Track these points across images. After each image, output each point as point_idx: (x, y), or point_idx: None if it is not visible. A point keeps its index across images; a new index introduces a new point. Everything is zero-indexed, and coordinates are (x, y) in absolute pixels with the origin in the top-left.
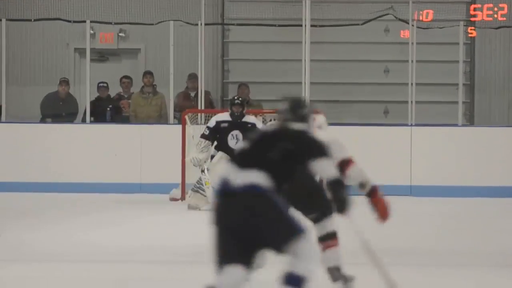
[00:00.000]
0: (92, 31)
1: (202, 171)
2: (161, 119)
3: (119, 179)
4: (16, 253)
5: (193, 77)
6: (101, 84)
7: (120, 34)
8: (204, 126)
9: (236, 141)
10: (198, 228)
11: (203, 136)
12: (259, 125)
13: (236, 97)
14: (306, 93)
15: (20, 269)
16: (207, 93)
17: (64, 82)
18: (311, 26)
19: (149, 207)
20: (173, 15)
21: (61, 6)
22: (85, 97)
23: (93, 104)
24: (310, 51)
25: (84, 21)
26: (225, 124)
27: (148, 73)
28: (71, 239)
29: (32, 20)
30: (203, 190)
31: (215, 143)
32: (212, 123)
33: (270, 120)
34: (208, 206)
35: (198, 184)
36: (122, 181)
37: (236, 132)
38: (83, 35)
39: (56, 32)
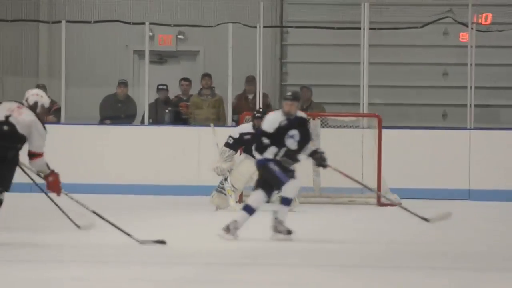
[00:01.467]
0: (151, 33)
1: (226, 179)
2: (219, 121)
3: (177, 181)
4: (74, 254)
5: (251, 80)
6: (161, 87)
7: (179, 36)
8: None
9: None
10: (252, 230)
11: (227, 145)
12: None
13: (257, 111)
14: (364, 96)
15: (77, 271)
16: (265, 96)
17: (123, 84)
18: (370, 29)
19: (205, 209)
20: (232, 17)
21: (120, 8)
22: (143, 99)
23: (152, 106)
24: (369, 54)
25: (143, 23)
26: (248, 136)
27: (206, 76)
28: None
29: (92, 22)
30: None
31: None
32: (235, 134)
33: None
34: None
35: (221, 184)
36: (180, 183)
37: None
38: (142, 37)
39: (115, 34)
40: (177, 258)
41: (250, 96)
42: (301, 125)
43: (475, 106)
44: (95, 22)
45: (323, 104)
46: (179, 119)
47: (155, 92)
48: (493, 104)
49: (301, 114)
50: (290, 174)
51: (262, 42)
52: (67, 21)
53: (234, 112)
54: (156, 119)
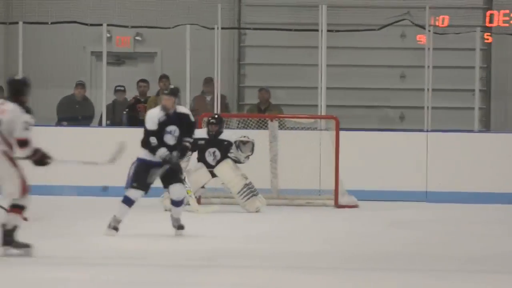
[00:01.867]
0: (108, 35)
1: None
2: None
3: None
4: (101, 255)
5: (209, 81)
6: (118, 88)
7: (137, 37)
8: None
9: (213, 157)
10: (209, 232)
11: None
12: (232, 138)
13: (211, 117)
14: (322, 98)
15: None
16: (223, 97)
17: (80, 85)
18: (328, 31)
19: (158, 212)
20: (190, 19)
21: (78, 10)
22: (101, 100)
23: (110, 107)
24: (327, 56)
25: (101, 25)
26: (202, 142)
27: (164, 77)
28: (84, 243)
29: (49, 23)
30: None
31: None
32: None
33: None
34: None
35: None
36: None
37: (213, 150)
38: (99, 38)
39: (73, 35)
40: (131, 259)
41: (208, 98)
42: (181, 120)
43: (432, 108)
44: (52, 23)
45: (281, 106)
46: (137, 121)
47: (113, 93)
48: (450, 106)
49: (182, 109)
50: (175, 178)
51: (220, 43)
52: (24, 22)
53: (192, 114)
54: (114, 121)
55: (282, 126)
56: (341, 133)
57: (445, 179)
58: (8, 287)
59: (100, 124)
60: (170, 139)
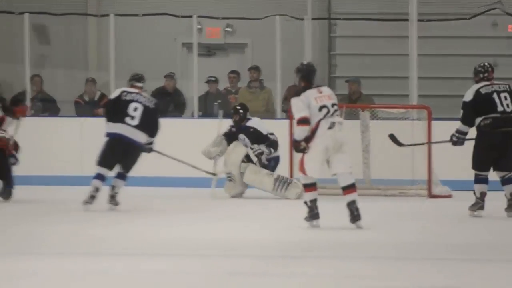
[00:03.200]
0: (199, 26)
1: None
2: (268, 113)
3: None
4: (150, 247)
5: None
6: (210, 79)
7: (227, 29)
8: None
9: (245, 143)
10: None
11: (224, 133)
12: (261, 126)
13: (233, 107)
14: (414, 88)
15: (152, 263)
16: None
17: (170, 76)
18: (418, 20)
19: (254, 203)
20: (280, 9)
21: (168, 1)
22: (192, 91)
23: (202, 98)
24: (417, 45)
25: (191, 16)
26: (234, 129)
27: (254, 68)
28: (181, 233)
29: (140, 15)
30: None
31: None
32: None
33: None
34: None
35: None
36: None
37: (242, 136)
38: (190, 30)
39: (164, 27)
40: (228, 250)
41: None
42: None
43: None
44: (144, 15)
45: (373, 96)
46: (228, 112)
47: (204, 84)
48: None
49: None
50: None
51: (310, 34)
52: (116, 15)
53: (286, 103)
54: (206, 112)
55: (373, 116)
56: (434, 122)
57: None
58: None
59: (192, 116)
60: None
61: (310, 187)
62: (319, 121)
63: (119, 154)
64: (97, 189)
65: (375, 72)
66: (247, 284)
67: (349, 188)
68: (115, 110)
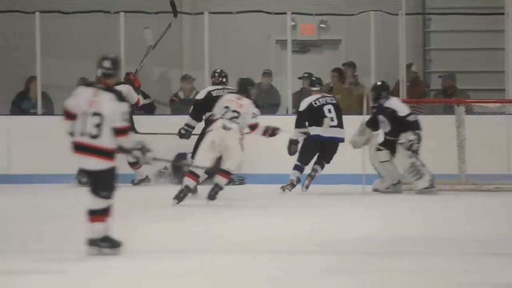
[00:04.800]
0: (293, 23)
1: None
2: (362, 110)
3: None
4: (208, 244)
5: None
6: (304, 75)
7: (321, 25)
8: None
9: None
10: (402, 218)
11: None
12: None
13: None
14: (509, 82)
15: (212, 260)
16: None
17: (267, 74)
18: None
19: (349, 198)
20: (374, 5)
21: None
22: (286, 88)
23: (296, 95)
24: None
25: (285, 13)
26: (374, 110)
27: (348, 64)
28: (266, 229)
29: (234, 12)
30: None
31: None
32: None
33: None
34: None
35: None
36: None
37: (382, 118)
38: (284, 26)
39: (258, 24)
40: (317, 247)
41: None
42: None
43: None
44: (238, 12)
45: (468, 91)
46: None
47: (298, 81)
48: None
49: None
50: None
51: (404, 29)
52: (210, 12)
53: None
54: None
55: (468, 111)
56: None
57: None
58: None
59: (286, 112)
60: None
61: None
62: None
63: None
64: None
65: (470, 66)
66: (340, 281)
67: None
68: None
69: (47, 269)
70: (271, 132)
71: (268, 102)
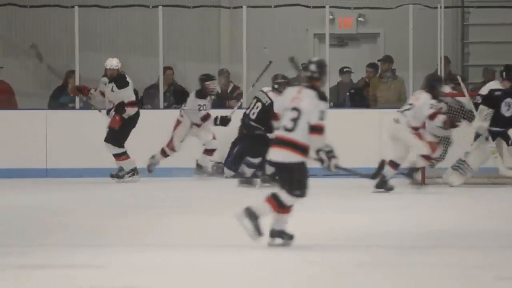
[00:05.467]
0: (331, 16)
1: (486, 138)
2: (400, 103)
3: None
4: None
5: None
6: (345, 69)
7: (359, 18)
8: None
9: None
10: (436, 212)
11: (482, 102)
12: None
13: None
14: None
15: (249, 254)
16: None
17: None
18: None
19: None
20: None
21: None
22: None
23: (334, 89)
24: None
25: (324, 7)
26: (499, 93)
27: (383, 60)
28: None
29: (272, 6)
30: (462, 170)
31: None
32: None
33: None
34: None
35: (458, 163)
36: (362, 165)
37: (509, 100)
38: (322, 20)
39: (296, 18)
40: (354, 241)
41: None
42: None
43: None
44: (276, 6)
45: None
46: (360, 102)
47: (338, 75)
48: None
49: None
50: None
51: (443, 22)
52: (248, 6)
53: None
54: (337, 102)
55: None
56: None
57: None
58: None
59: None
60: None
61: None
62: None
63: None
64: None
65: (508, 60)
66: (376, 275)
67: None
68: None
69: (89, 262)
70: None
71: None
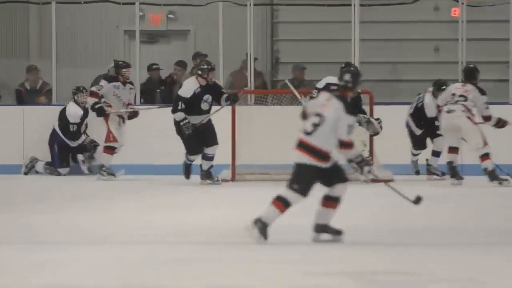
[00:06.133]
0: (141, 13)
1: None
2: None
3: (167, 161)
4: (70, 235)
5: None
6: (154, 66)
7: (170, 15)
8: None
9: None
10: (247, 209)
11: None
12: None
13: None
14: None
15: (73, 251)
16: (260, 74)
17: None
18: (360, 5)
19: (200, 189)
20: None
21: None
22: (135, 78)
23: (144, 86)
24: (360, 30)
25: (133, 3)
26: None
27: (198, 55)
28: (123, 222)
29: (82, 2)
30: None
31: None
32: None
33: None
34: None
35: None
36: (170, 162)
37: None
38: (132, 17)
39: (106, 15)
40: (178, 237)
41: (247, 73)
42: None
43: None
44: (85, 2)
45: (315, 82)
46: (170, 99)
47: (147, 72)
48: (484, 78)
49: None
50: None
51: (252, 20)
52: (57, 2)
53: (232, 87)
54: (147, 99)
55: None
56: (375, 107)
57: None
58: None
59: (134, 103)
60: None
61: None
62: None
63: None
64: None
65: (318, 57)
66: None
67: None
68: None
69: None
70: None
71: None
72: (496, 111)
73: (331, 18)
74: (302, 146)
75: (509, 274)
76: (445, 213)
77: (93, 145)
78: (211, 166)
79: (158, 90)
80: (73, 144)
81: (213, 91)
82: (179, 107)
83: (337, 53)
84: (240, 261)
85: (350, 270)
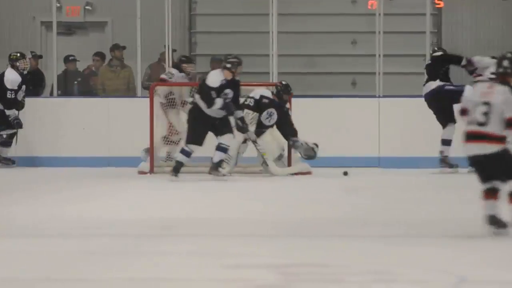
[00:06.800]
0: (58, 4)
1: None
2: (129, 92)
3: (87, 152)
4: None
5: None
6: (70, 58)
7: (87, 7)
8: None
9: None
10: (166, 201)
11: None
12: None
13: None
14: (274, 65)
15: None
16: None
17: (36, 56)
18: None
19: (117, 181)
20: None
21: None
22: (52, 70)
23: (61, 77)
24: (277, 23)
25: None
26: (266, 101)
27: (116, 47)
28: (44, 214)
29: None
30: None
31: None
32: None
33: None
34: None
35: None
36: (90, 154)
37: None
38: (49, 8)
39: (22, 5)
40: (91, 229)
41: (165, 65)
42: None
43: (384, 73)
44: None
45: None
46: (88, 91)
47: (63, 63)
48: (402, 71)
49: None
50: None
51: (170, 12)
52: None
53: (150, 80)
54: (65, 91)
55: None
56: (293, 100)
57: (397, 144)
58: None
59: (51, 95)
60: None
61: None
62: None
63: None
64: None
65: (236, 49)
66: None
67: None
68: None
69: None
70: None
71: (32, 85)
72: (413, 104)
73: (249, 10)
74: (482, 137)
75: (425, 265)
76: (366, 204)
77: (16, 122)
78: (222, 160)
79: (75, 82)
80: (8, 112)
81: (235, 89)
82: (213, 96)
83: (255, 46)
84: (164, 254)
85: (268, 262)
